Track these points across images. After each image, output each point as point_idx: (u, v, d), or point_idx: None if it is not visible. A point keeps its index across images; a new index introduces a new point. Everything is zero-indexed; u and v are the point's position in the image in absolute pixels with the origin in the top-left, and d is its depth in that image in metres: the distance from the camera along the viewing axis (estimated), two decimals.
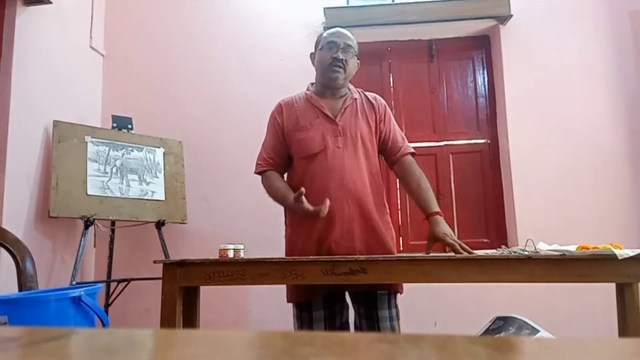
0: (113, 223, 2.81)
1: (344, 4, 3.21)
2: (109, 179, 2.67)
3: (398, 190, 3.16)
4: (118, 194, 2.67)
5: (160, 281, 1.49)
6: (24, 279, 1.92)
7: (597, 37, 3.08)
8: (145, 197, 2.76)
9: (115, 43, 3.22)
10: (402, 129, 1.93)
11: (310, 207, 1.58)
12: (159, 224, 2.76)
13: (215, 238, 2.74)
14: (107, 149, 2.72)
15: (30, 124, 2.50)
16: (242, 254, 1.63)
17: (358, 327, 1.74)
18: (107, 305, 2.68)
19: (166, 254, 2.74)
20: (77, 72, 2.93)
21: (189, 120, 3.12)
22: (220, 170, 3.06)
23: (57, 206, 2.42)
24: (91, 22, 3.08)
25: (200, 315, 1.72)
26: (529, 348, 0.34)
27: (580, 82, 3.05)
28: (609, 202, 2.92)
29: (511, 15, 3.05)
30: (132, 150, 2.81)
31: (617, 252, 1.35)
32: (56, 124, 2.56)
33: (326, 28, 1.93)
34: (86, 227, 2.49)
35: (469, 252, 1.54)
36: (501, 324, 1.90)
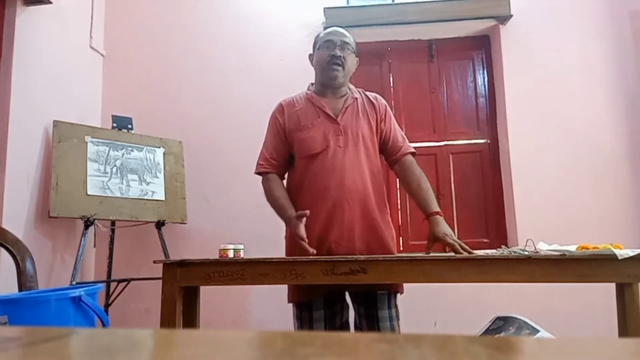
0: (113, 223, 2.81)
1: (344, 4, 3.21)
2: (109, 179, 2.67)
3: (398, 190, 3.16)
4: (118, 194, 2.67)
5: (160, 281, 1.49)
6: (24, 279, 1.92)
7: (597, 37, 3.08)
8: (145, 197, 2.76)
9: (115, 43, 3.22)
10: (402, 129, 1.93)
11: (304, 234, 1.57)
12: (159, 224, 2.76)
13: (215, 238, 2.74)
14: (107, 149, 2.72)
15: (30, 124, 2.50)
16: (242, 254, 1.63)
17: (358, 327, 1.74)
18: (107, 305, 2.68)
19: (166, 254, 2.74)
20: (77, 72, 2.93)
21: (189, 120, 3.12)
22: (220, 170, 3.06)
23: (57, 206, 2.42)
24: (91, 22, 3.08)
25: (200, 315, 1.72)
26: (529, 348, 0.34)
27: (580, 82, 3.05)
28: (609, 202, 2.92)
29: (511, 15, 3.05)
30: (132, 150, 2.81)
31: (617, 252, 1.35)
32: (56, 124, 2.56)
33: (326, 28, 1.93)
34: (86, 227, 2.49)
35: (469, 252, 1.54)
36: (501, 324, 1.90)
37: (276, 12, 3.22)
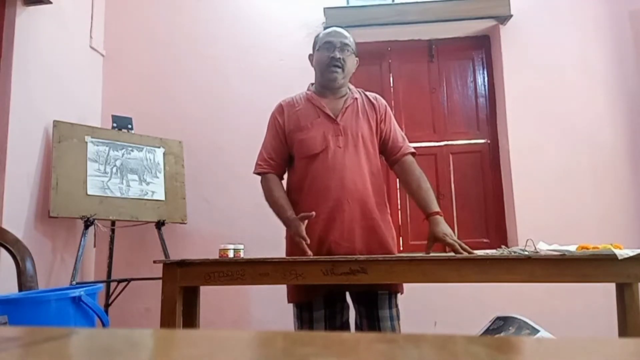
0: (113, 223, 2.81)
1: (344, 4, 3.21)
2: (109, 179, 2.67)
3: (398, 190, 3.16)
4: (118, 194, 2.67)
5: (160, 281, 1.49)
6: (24, 279, 1.92)
7: (597, 37, 3.08)
8: (145, 197, 2.76)
9: (115, 43, 3.22)
10: (402, 129, 1.93)
11: (305, 236, 1.57)
12: (159, 224, 2.76)
13: (215, 238, 2.74)
14: (107, 149, 2.72)
15: (30, 124, 2.50)
16: (242, 254, 1.63)
17: (358, 327, 1.74)
18: (107, 305, 2.68)
19: (166, 254, 2.74)
20: (77, 72, 2.93)
21: (189, 120, 3.12)
22: (220, 170, 3.06)
23: (57, 206, 2.42)
24: (91, 22, 3.08)
25: (200, 315, 1.72)
26: (529, 348, 0.34)
27: (580, 82, 3.05)
28: (609, 202, 2.92)
29: (511, 15, 3.05)
30: (132, 150, 2.81)
31: (617, 252, 1.35)
32: (56, 124, 2.56)
33: (326, 28, 1.93)
34: (86, 227, 2.49)
35: (469, 252, 1.54)
36: (501, 324, 1.90)
37: (276, 12, 3.22)
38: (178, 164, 2.97)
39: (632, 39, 3.07)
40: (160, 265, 1.50)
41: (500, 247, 1.72)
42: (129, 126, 2.87)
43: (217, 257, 1.58)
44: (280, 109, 1.83)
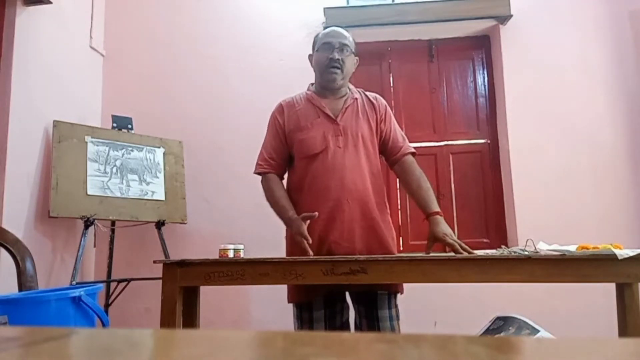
0: (113, 223, 2.81)
1: (344, 4, 3.21)
2: (109, 179, 2.67)
3: (398, 190, 3.16)
4: (118, 194, 2.67)
5: (160, 281, 1.49)
6: (24, 279, 1.92)
7: (597, 37, 3.08)
8: (145, 197, 2.76)
9: (115, 43, 3.22)
10: (402, 129, 1.93)
11: (307, 235, 1.57)
12: (159, 224, 2.76)
13: (215, 238, 2.74)
14: (107, 149, 2.72)
15: (30, 124, 2.50)
16: (242, 254, 1.63)
17: (358, 327, 1.74)
18: (107, 305, 2.68)
19: (166, 254, 2.74)
20: (77, 72, 2.93)
21: (189, 120, 3.12)
22: (220, 170, 3.06)
23: (57, 206, 2.42)
24: (91, 22, 3.08)
25: (200, 315, 1.72)
26: (529, 348, 0.34)
27: (580, 82, 3.05)
28: (609, 202, 2.92)
29: (511, 15, 3.05)
30: (132, 150, 2.81)
31: (617, 252, 1.35)
32: (56, 124, 2.56)
33: (326, 28, 1.93)
34: (86, 227, 2.49)
35: (469, 252, 1.54)
36: (501, 324, 1.90)
37: (276, 12, 3.22)
38: (178, 164, 2.97)
39: (632, 39, 3.07)
40: (160, 265, 1.50)
41: (500, 247, 1.72)
42: (129, 126, 2.87)
43: (217, 257, 1.58)
44: (280, 108, 1.83)
